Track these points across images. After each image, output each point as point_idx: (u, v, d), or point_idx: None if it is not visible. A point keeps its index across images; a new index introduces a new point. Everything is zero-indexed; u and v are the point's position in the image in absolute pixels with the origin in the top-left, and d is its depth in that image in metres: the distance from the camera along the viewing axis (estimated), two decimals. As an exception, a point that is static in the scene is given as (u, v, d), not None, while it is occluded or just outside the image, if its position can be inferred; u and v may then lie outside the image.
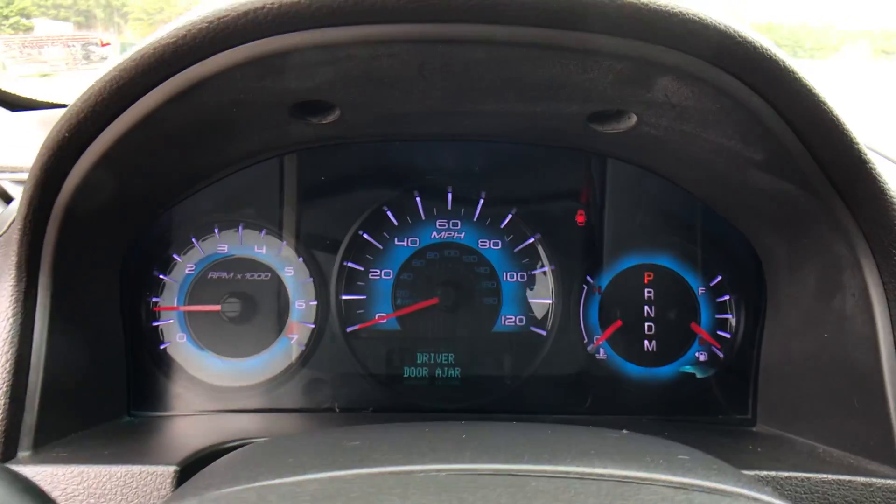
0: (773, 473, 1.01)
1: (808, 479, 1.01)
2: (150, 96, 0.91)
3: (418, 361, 1.51)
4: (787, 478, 1.01)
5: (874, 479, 0.99)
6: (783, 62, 0.85)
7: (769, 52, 0.84)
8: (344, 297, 1.51)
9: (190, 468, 1.00)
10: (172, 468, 0.98)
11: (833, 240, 1.10)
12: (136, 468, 0.98)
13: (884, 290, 1.05)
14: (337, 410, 1.46)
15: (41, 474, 0.97)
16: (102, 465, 0.98)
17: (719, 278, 1.52)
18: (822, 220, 1.09)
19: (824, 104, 0.89)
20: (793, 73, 0.86)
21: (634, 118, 1.10)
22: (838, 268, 1.12)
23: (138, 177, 1.16)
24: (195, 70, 0.87)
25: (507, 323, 1.53)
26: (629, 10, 0.79)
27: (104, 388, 1.30)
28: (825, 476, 1.00)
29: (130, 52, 0.87)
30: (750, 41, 0.83)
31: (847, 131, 0.92)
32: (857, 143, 0.93)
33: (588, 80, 0.93)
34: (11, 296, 1.06)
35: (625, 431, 0.88)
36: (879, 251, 1.04)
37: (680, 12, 0.79)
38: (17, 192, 1.41)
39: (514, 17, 0.81)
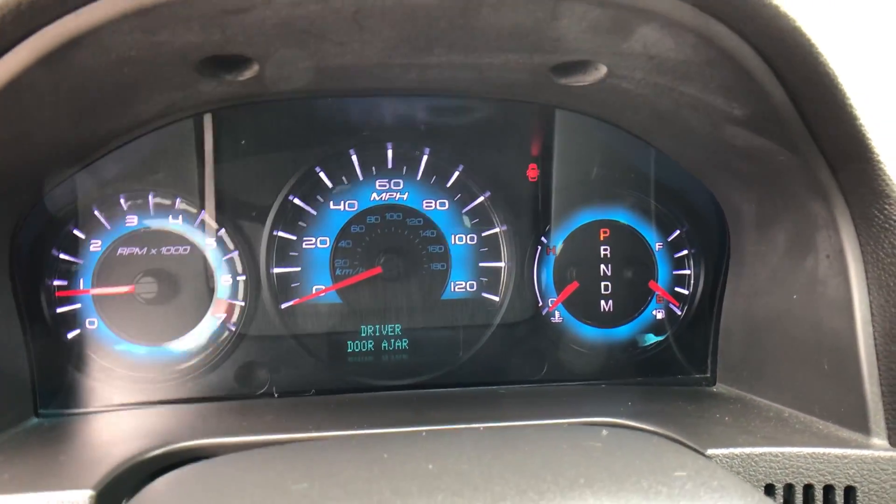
0: (746, 451, 0.96)
1: (783, 453, 0.96)
2: (11, 57, 0.71)
3: (362, 335, 1.39)
4: (761, 454, 0.96)
5: (849, 451, 0.96)
6: (782, 9, 0.74)
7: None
8: (276, 271, 1.36)
9: (108, 491, 0.86)
10: (87, 493, 0.84)
11: (808, 198, 1.04)
12: (43, 496, 0.84)
13: (861, 252, 1.00)
14: (275, 395, 1.33)
15: (-77, 512, 0.82)
16: (2, 496, 0.83)
17: (677, 232, 1.45)
18: (799, 178, 1.03)
19: (821, 56, 0.79)
20: (791, 21, 0.75)
21: (604, 70, 0.97)
22: (812, 227, 1.06)
23: (17, 150, 0.96)
24: (67, 24, 0.68)
25: (457, 289, 1.42)
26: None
27: (4, 390, 1.14)
28: (800, 450, 0.96)
29: (-24, 1, 0.67)
30: (749, -15, 0.71)
31: (840, 86, 0.83)
32: (848, 100, 0.84)
33: (557, 29, 0.80)
34: None
35: (604, 432, 0.79)
36: (859, 212, 0.97)
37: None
38: None
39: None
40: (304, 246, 1.37)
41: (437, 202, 1.41)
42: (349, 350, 1.39)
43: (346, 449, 0.74)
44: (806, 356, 1.10)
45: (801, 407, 1.12)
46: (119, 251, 1.30)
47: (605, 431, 0.79)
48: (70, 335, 1.29)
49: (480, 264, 1.43)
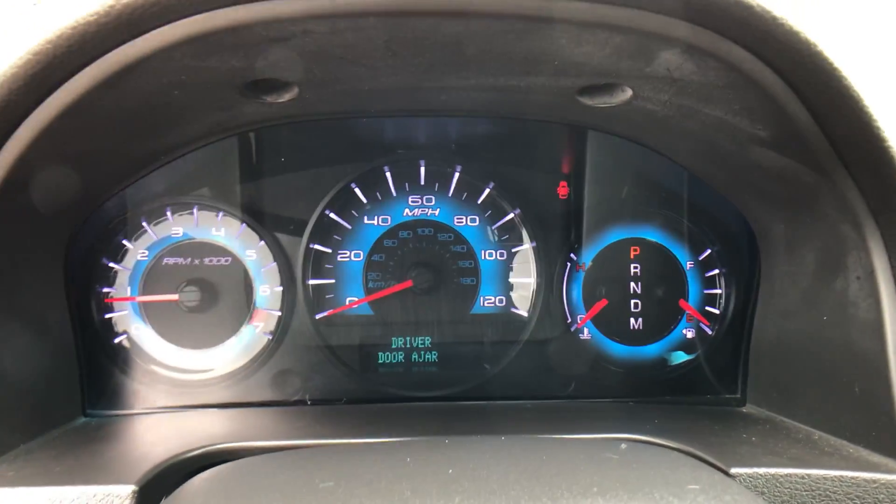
0: (772, 471, 0.96)
1: (809, 475, 0.95)
2: (74, 82, 0.78)
3: (393, 347, 1.43)
4: (787, 475, 0.96)
5: (879, 475, 0.94)
6: (803, 34, 0.75)
7: (788, 25, 0.74)
8: (311, 282, 1.41)
9: (149, 487, 0.91)
10: (130, 488, 0.89)
11: (838, 219, 1.03)
12: (89, 489, 0.89)
13: (892, 273, 0.99)
14: (308, 403, 1.37)
15: (-16, 499, 0.88)
16: (52, 487, 0.88)
17: (708, 252, 1.46)
18: (828, 199, 1.02)
19: (844, 80, 0.80)
20: (813, 46, 0.76)
21: (629, 92, 1.00)
22: (842, 248, 1.06)
23: (74, 165, 1.03)
24: (125, 51, 0.74)
25: (486, 304, 1.45)
26: (631, -24, 0.68)
27: (55, 390, 1.20)
28: (827, 472, 0.95)
29: (44, 33, 0.73)
30: (768, 11, 0.73)
31: (866, 108, 0.83)
32: (875, 121, 0.84)
33: (581, 54, 0.83)
34: (-61, 302, 0.94)
35: (623, 446, 0.81)
36: (890, 233, 0.97)
37: (691, -20, 0.68)
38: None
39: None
40: (338, 259, 1.42)
41: (468, 218, 1.44)
42: (380, 361, 1.42)
43: (371, 453, 0.77)
44: (837, 378, 1.09)
45: (831, 430, 1.10)
46: (164, 261, 1.37)
47: (623, 445, 0.81)
48: (116, 340, 1.36)
49: (510, 280, 1.45)
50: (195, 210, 1.37)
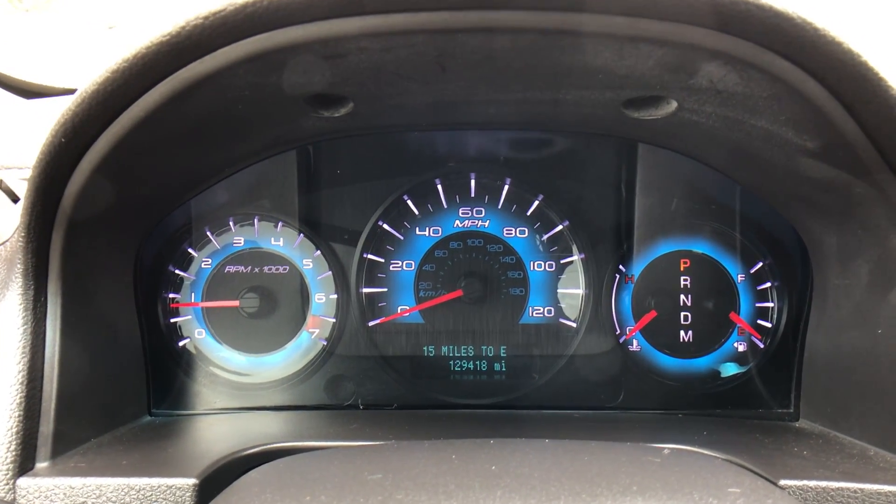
0: (822, 484, 0.94)
1: (862, 490, 0.93)
2: (147, 97, 0.84)
3: (442, 355, 1.46)
4: (838, 489, 0.94)
5: None
6: (846, 45, 0.76)
7: (831, 35, 0.75)
8: (364, 290, 1.45)
9: (209, 480, 0.97)
10: (192, 481, 0.95)
11: (890, 231, 1.02)
12: (154, 481, 0.95)
13: (948, 285, 0.97)
14: (360, 407, 1.42)
15: (59, 487, 0.94)
16: (121, 478, 0.95)
17: (760, 265, 1.44)
18: (879, 210, 1.01)
19: (891, 90, 0.80)
20: (857, 56, 0.76)
21: (674, 104, 1.01)
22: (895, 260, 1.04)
23: (145, 176, 1.11)
24: (194, 68, 0.80)
25: (534, 314, 1.46)
26: (672, -10, 0.70)
27: (124, 390, 1.27)
28: (881, 487, 0.93)
29: (122, 52, 0.80)
30: (810, 23, 0.74)
31: (915, 118, 0.82)
32: None
33: (624, 67, 0.85)
34: (20, 304, 1.02)
35: (666, 451, 0.81)
36: (944, 245, 0.95)
37: (730, -8, 0.70)
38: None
39: (538, 2, 0.73)
40: (391, 268, 1.46)
41: (517, 230, 1.47)
42: (429, 368, 1.46)
43: (418, 450, 0.81)
44: (893, 393, 1.07)
45: (888, 446, 1.07)
46: (226, 269, 1.44)
47: (667, 451, 0.81)
48: (181, 344, 1.43)
49: (559, 291, 1.47)
50: (256, 220, 1.44)
